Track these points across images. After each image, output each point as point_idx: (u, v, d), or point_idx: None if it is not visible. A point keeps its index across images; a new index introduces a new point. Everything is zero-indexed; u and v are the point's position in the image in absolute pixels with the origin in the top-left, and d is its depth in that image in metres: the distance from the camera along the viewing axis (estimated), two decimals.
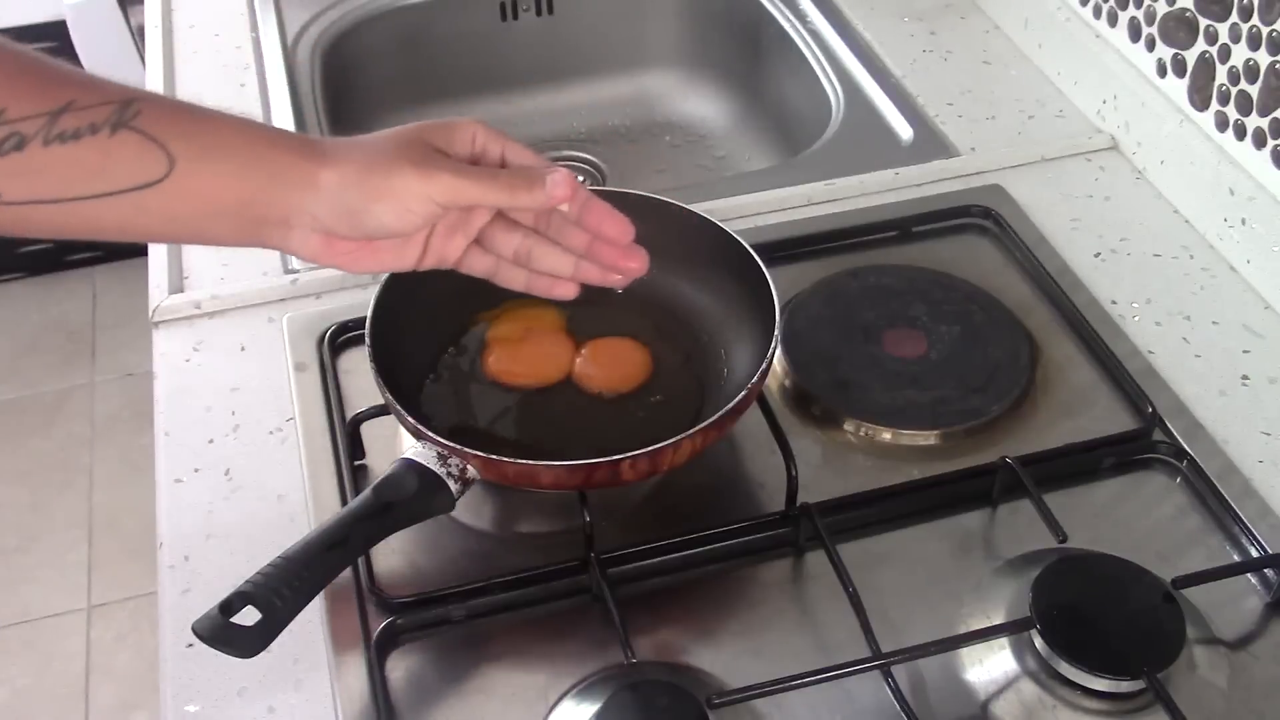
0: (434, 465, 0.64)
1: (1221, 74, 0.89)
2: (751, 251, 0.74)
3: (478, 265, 0.65)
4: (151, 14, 1.18)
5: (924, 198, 0.95)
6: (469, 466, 0.64)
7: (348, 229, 0.58)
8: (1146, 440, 0.75)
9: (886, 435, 0.76)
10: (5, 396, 2.16)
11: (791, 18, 1.17)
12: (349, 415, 0.74)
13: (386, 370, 0.68)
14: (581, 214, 0.64)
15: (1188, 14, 0.90)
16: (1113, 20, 1.00)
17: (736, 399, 0.67)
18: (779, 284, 0.72)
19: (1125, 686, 0.61)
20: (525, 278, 0.66)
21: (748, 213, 0.93)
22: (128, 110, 0.53)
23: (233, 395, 0.80)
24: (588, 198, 0.64)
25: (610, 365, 0.76)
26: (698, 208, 0.79)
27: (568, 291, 0.66)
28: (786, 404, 0.78)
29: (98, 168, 0.53)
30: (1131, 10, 0.97)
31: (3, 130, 0.51)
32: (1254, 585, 0.68)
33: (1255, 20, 0.83)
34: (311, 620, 0.66)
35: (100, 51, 1.71)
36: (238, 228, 0.58)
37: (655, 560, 0.69)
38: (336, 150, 0.58)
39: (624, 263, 0.65)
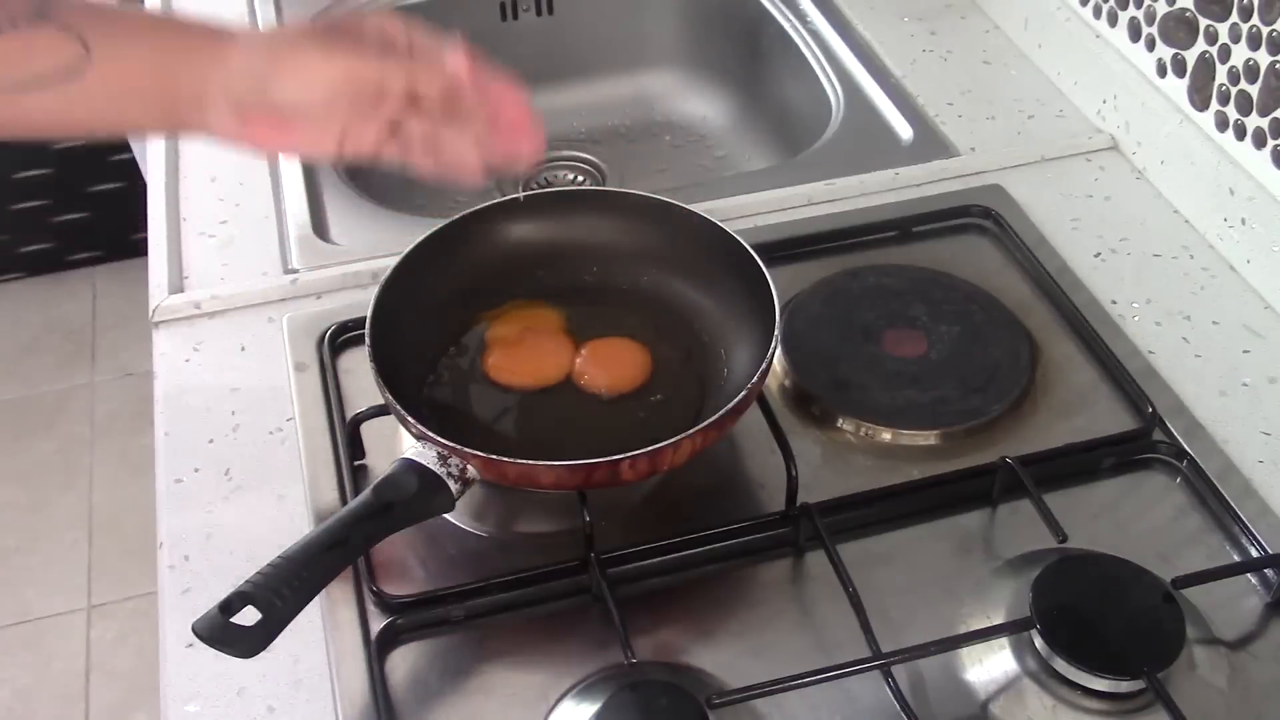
0: (434, 465, 0.64)
1: (1221, 74, 0.89)
2: (751, 251, 0.74)
3: (391, 155, 0.65)
4: None
5: (924, 198, 0.95)
6: (469, 466, 0.64)
7: (256, 99, 0.61)
8: (1146, 440, 0.75)
9: (886, 435, 0.76)
10: (5, 396, 2.16)
11: (791, 18, 1.17)
12: (349, 415, 0.74)
13: (386, 370, 0.68)
14: (482, 96, 0.64)
15: (1188, 14, 0.90)
16: (1113, 20, 1.00)
17: (736, 399, 0.67)
18: (779, 284, 0.72)
19: (1125, 686, 0.61)
20: (435, 166, 0.66)
21: (748, 213, 0.93)
22: (46, 5, 0.57)
23: (233, 395, 0.80)
24: (489, 80, 0.64)
25: (610, 365, 0.76)
26: (698, 208, 0.79)
27: (475, 178, 0.66)
28: (786, 404, 0.78)
29: (20, 59, 0.57)
30: (1131, 10, 0.97)
31: None
32: (1254, 585, 0.68)
33: (1255, 20, 0.83)
34: (311, 620, 0.66)
35: None
36: (158, 110, 0.62)
37: (655, 560, 0.69)
38: (245, 34, 0.63)
39: (520, 143, 0.66)
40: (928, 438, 0.76)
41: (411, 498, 0.63)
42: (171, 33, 0.63)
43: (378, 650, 0.64)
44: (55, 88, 0.58)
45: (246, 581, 0.57)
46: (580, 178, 1.22)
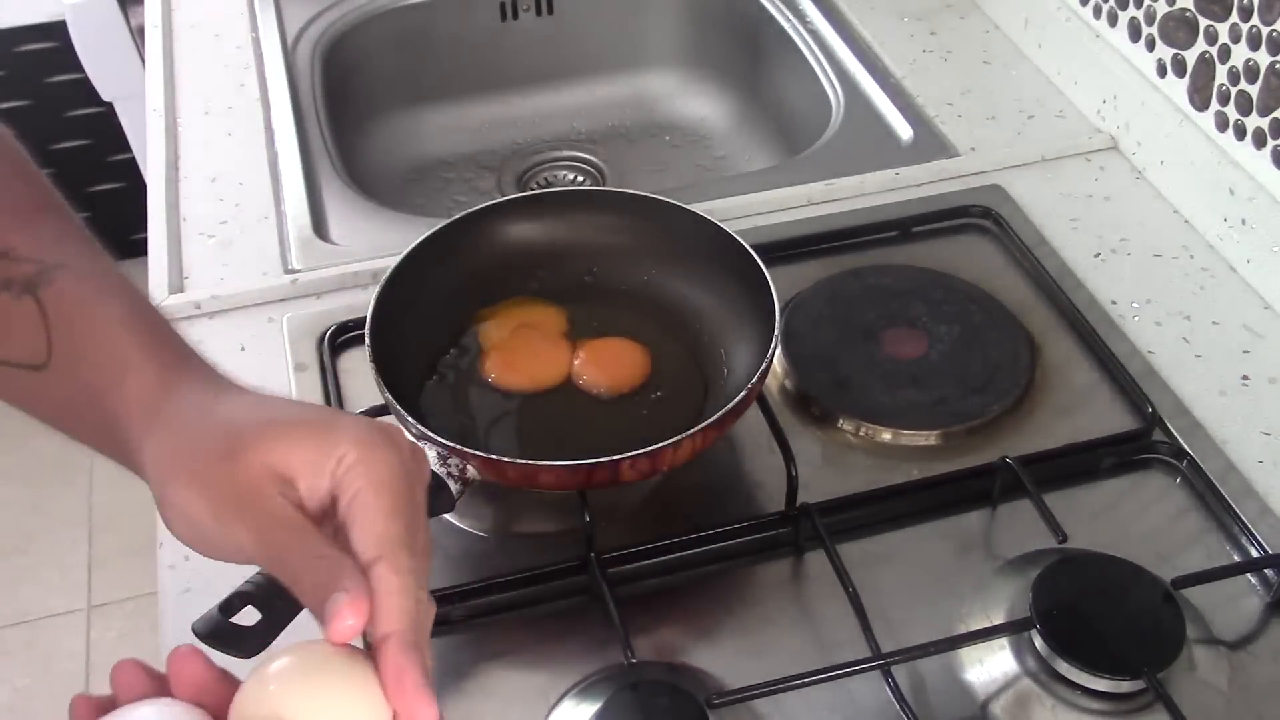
0: (434, 465, 0.64)
1: (1221, 74, 0.88)
2: (751, 251, 0.74)
3: None
4: (151, 14, 1.18)
5: (924, 198, 0.95)
6: (469, 466, 0.64)
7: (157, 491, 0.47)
8: (1146, 440, 0.75)
9: (886, 435, 0.76)
10: None
11: (791, 18, 1.17)
12: None
13: (386, 370, 0.68)
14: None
15: (1188, 14, 0.90)
16: (1113, 20, 1.00)
17: (736, 399, 0.67)
18: (779, 284, 0.72)
19: (1125, 686, 0.61)
20: None
21: (748, 213, 0.93)
22: (44, 275, 0.48)
23: None
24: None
25: (609, 366, 0.76)
26: (698, 208, 0.79)
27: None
28: (786, 404, 0.78)
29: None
30: (1131, 10, 0.97)
31: None
32: (1254, 585, 0.68)
33: (1255, 20, 0.83)
34: (312, 620, 0.66)
35: (100, 51, 1.71)
36: (102, 435, 0.49)
37: (655, 560, 0.69)
38: (169, 421, 0.47)
39: None
40: (928, 438, 0.76)
41: None
42: (117, 373, 0.48)
43: None
44: (23, 375, 0.48)
45: (246, 581, 0.57)
46: (580, 178, 1.22)
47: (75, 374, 0.48)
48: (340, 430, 0.45)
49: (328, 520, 0.45)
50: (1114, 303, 0.86)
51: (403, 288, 0.73)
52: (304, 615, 0.58)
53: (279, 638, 0.57)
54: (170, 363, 0.49)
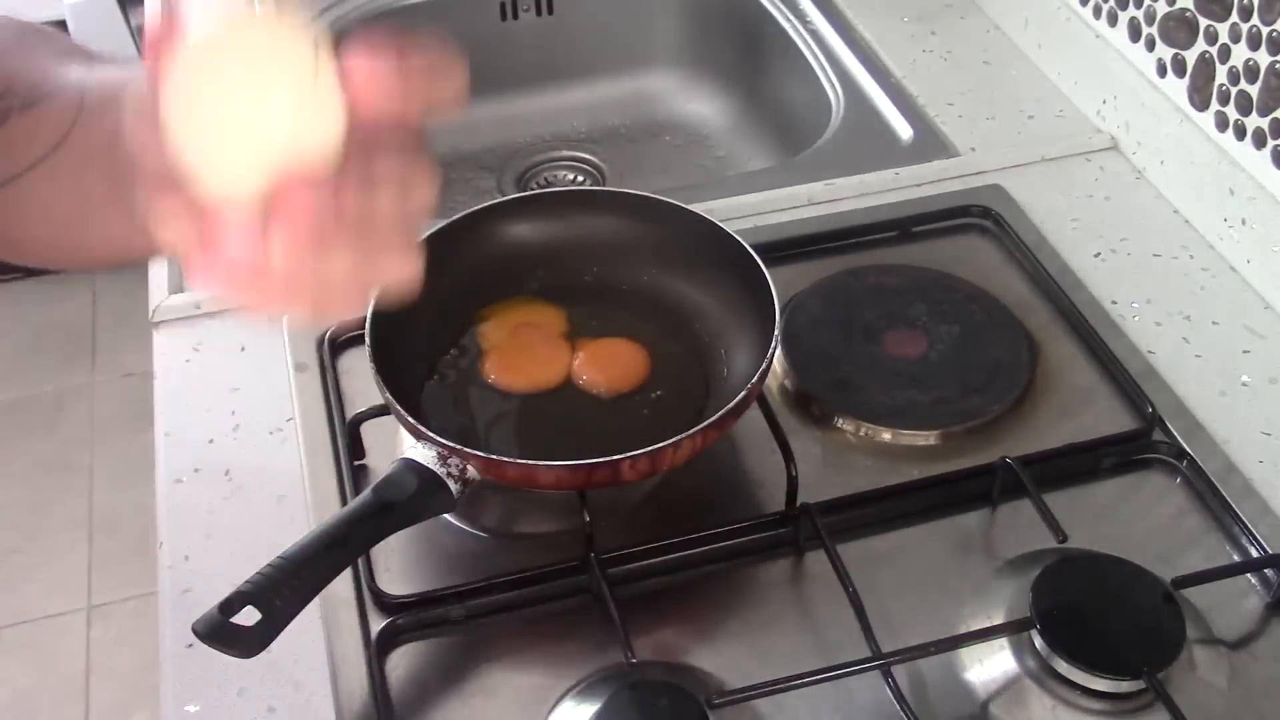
0: (434, 465, 0.64)
1: (1221, 74, 0.88)
2: (751, 251, 0.74)
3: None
4: (151, 14, 1.17)
5: (924, 198, 0.95)
6: (469, 466, 0.64)
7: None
8: (1146, 440, 0.75)
9: (886, 435, 0.76)
10: (5, 396, 2.16)
11: (791, 18, 1.17)
12: (349, 415, 0.74)
13: (386, 370, 0.68)
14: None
15: (1188, 14, 0.90)
16: (1113, 20, 1.00)
17: (736, 399, 0.67)
18: (779, 284, 0.72)
19: (1125, 686, 0.61)
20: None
21: (748, 213, 0.93)
22: (38, 90, 0.49)
23: (233, 395, 0.80)
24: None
25: (609, 366, 0.76)
26: (698, 208, 0.79)
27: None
28: (786, 404, 0.78)
29: (29, 133, 0.48)
30: (1131, 10, 0.97)
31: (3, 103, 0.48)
32: (1254, 585, 0.68)
33: (1255, 20, 0.83)
34: (311, 620, 0.66)
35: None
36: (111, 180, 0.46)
37: (655, 560, 0.69)
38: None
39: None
40: (928, 438, 0.76)
41: (411, 498, 0.63)
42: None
43: (378, 650, 0.64)
44: (48, 160, 0.48)
45: (246, 581, 0.57)
46: (580, 178, 1.22)
47: (92, 127, 0.48)
48: None
49: None
50: (1114, 303, 0.86)
51: None
52: (304, 615, 0.58)
53: (279, 638, 0.57)
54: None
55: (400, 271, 0.42)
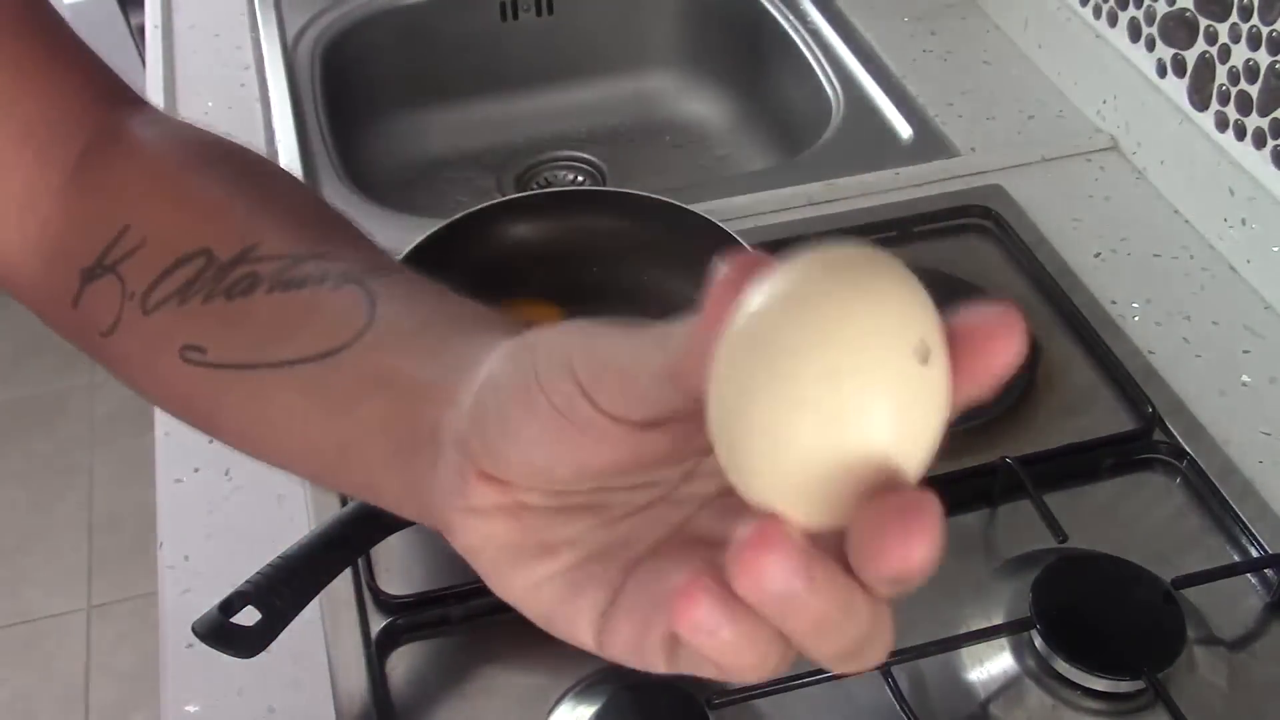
0: None
1: (1221, 74, 0.88)
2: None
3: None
4: (151, 14, 1.18)
5: (924, 198, 0.95)
6: None
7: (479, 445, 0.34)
8: (1146, 440, 0.75)
9: None
10: (5, 396, 2.16)
11: (791, 18, 1.17)
12: None
13: None
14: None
15: (1188, 14, 0.90)
16: (1113, 20, 1.00)
17: None
18: None
19: (1125, 686, 0.61)
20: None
21: (748, 213, 0.93)
22: (369, 275, 0.42)
23: None
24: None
25: None
26: (698, 208, 0.79)
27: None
28: None
29: (296, 322, 0.40)
30: (1131, 10, 0.97)
31: (243, 269, 0.41)
32: (1254, 585, 0.68)
33: (1255, 20, 0.83)
34: (311, 620, 0.66)
35: (100, 51, 1.71)
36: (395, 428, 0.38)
37: None
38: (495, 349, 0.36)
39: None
40: None
41: None
42: (451, 302, 0.43)
43: (378, 650, 0.64)
44: (307, 371, 0.40)
45: (246, 581, 0.57)
46: (580, 178, 1.22)
47: (373, 356, 0.39)
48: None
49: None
50: (1114, 303, 0.86)
51: None
52: (304, 615, 0.58)
53: (279, 638, 0.57)
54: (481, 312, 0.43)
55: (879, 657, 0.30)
